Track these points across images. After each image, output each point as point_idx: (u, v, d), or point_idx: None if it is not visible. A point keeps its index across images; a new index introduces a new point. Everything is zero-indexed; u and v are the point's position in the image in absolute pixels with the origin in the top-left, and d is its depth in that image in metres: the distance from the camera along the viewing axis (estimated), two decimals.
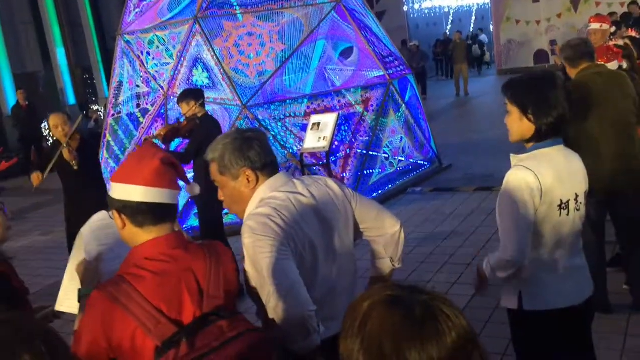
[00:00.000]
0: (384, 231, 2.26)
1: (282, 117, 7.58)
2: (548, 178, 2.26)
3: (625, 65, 4.51)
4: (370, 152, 7.97)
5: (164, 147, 5.33)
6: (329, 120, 6.46)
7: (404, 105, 8.54)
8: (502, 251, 2.31)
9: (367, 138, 7.98)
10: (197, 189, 1.90)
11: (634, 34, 5.47)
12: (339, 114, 6.91)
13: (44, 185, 5.42)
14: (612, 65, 4.08)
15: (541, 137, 2.31)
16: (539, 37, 19.02)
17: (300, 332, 1.84)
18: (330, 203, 2.12)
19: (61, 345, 0.96)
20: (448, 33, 23.06)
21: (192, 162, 5.30)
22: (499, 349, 3.72)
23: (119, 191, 1.71)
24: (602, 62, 4.09)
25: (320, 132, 6.41)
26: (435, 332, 1.00)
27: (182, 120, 5.52)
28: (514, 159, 2.36)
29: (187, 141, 5.64)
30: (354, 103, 8.10)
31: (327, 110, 7.65)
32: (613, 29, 6.07)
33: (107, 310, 1.60)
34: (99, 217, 2.11)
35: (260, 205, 2.04)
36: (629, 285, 4.24)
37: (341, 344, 1.08)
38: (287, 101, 7.70)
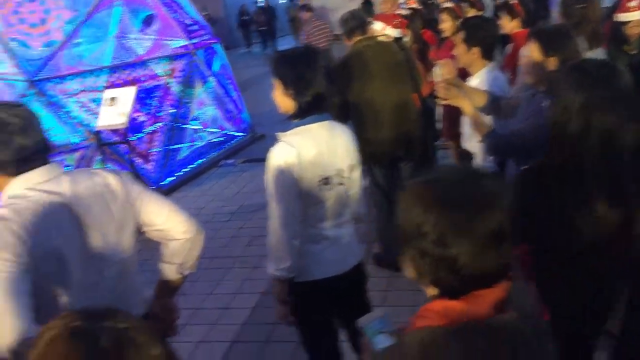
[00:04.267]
0: (176, 236, 2.06)
1: (77, 92, 6.95)
2: (309, 154, 2.27)
3: (407, 38, 4.73)
4: (179, 126, 7.66)
5: None
6: (126, 94, 6.04)
7: (212, 75, 8.31)
8: (273, 224, 2.30)
9: (175, 110, 7.65)
10: None
11: (414, 4, 5.77)
12: (137, 86, 6.49)
13: None
14: (395, 33, 4.25)
15: (303, 114, 2.31)
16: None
17: (16, 359, 1.60)
18: (99, 206, 1.88)
19: None
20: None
21: None
22: None
23: None
24: (389, 27, 4.25)
25: (117, 107, 5.97)
26: None
27: None
28: (278, 136, 2.34)
29: None
30: (159, 74, 7.70)
31: (129, 82, 7.17)
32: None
33: None
34: None
35: (6, 203, 1.77)
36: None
37: None
38: (83, 74, 7.08)
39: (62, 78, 6.87)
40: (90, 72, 7.13)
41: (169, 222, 2.03)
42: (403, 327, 1.22)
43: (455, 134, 4.48)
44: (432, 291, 1.18)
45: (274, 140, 7.50)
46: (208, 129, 8.29)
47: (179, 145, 7.68)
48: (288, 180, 2.24)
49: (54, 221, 1.77)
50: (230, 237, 5.49)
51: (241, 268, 4.84)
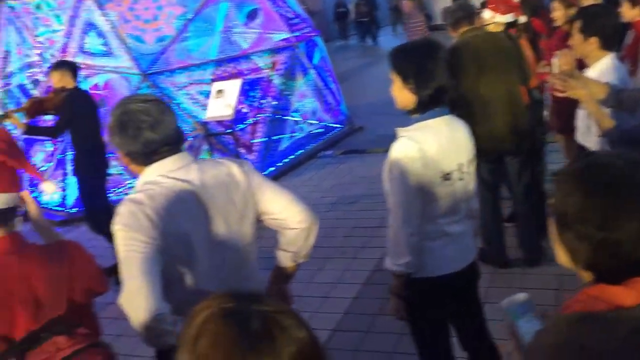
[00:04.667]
0: (292, 226, 2.09)
1: (186, 84, 7.30)
2: (432, 149, 2.25)
3: (522, 19, 4.57)
4: (280, 117, 7.86)
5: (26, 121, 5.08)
6: (232, 87, 6.27)
7: (312, 68, 8.44)
8: (393, 219, 2.30)
9: (276, 103, 7.85)
10: (50, 187, 1.74)
11: None
12: (242, 79, 6.72)
13: None
14: (506, 18, 4.14)
15: (423, 108, 2.29)
16: None
17: (147, 333, 1.74)
18: (223, 193, 1.98)
19: None
20: None
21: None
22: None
23: None
24: (497, 14, 4.15)
25: (224, 99, 6.20)
26: (271, 347, 0.94)
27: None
28: (398, 131, 2.33)
29: None
30: (262, 67, 7.92)
31: (234, 75, 7.43)
32: None
33: None
34: None
35: (141, 188, 1.92)
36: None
37: (177, 356, 1.00)
38: (191, 68, 7.41)
39: (172, 71, 7.22)
40: (198, 66, 7.46)
41: (286, 212, 2.08)
42: (546, 312, 1.21)
43: (565, 128, 4.30)
44: (587, 276, 1.18)
45: (371, 133, 7.47)
46: (308, 121, 8.44)
47: (280, 137, 7.88)
48: (410, 175, 2.22)
49: (183, 207, 1.89)
50: (330, 227, 5.57)
51: (341, 258, 4.91)
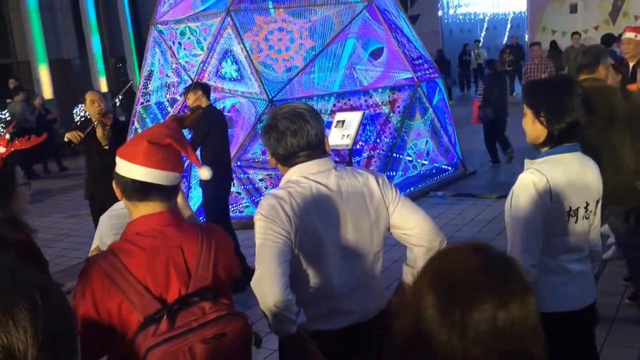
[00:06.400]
0: (420, 243, 2.13)
1: None
2: (560, 183, 2.23)
3: None
4: (394, 154, 7.95)
5: None
6: (353, 118, 6.46)
7: (431, 108, 8.50)
8: (511, 250, 2.26)
9: (392, 140, 7.96)
10: (206, 173, 1.94)
11: None
12: (364, 112, 6.90)
13: (73, 167, 5.48)
14: None
15: (554, 142, 2.28)
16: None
17: (271, 317, 1.87)
18: (357, 201, 2.09)
19: (57, 297, 0.97)
20: (482, 40, 22.60)
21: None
22: None
23: (117, 164, 1.79)
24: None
25: (344, 130, 6.41)
26: (505, 291, 1.04)
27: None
28: (527, 163, 2.34)
29: None
30: (380, 103, 8.09)
31: (353, 108, 7.65)
32: None
33: (95, 282, 1.64)
34: (120, 205, 2.17)
35: (284, 185, 2.09)
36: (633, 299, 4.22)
37: (411, 288, 1.11)
38: (314, 98, 7.71)
39: (297, 100, 7.54)
40: (320, 97, 7.75)
41: (417, 229, 2.13)
42: None
43: None
44: None
45: (484, 178, 7.39)
46: (421, 160, 8.46)
47: (392, 173, 7.95)
48: (534, 207, 2.21)
49: (318, 207, 2.02)
50: None
51: None
